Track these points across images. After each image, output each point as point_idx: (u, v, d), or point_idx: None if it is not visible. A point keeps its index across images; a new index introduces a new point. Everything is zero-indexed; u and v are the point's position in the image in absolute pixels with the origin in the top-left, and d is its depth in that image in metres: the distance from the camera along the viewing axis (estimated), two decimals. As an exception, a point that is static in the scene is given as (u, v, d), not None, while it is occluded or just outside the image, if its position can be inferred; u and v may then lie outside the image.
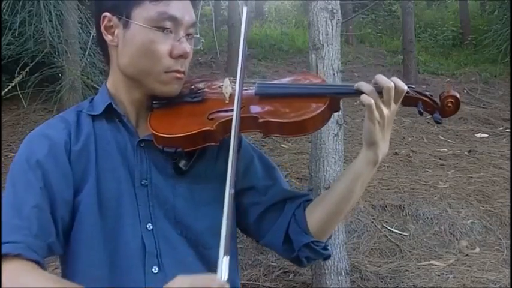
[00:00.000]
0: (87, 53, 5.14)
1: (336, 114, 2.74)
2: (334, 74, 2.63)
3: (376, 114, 0.98)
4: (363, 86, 1.00)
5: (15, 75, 4.55)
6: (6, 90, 4.47)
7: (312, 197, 1.16)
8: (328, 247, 1.13)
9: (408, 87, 1.01)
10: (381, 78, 0.99)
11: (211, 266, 1.06)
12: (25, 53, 4.83)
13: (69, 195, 1.01)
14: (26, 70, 4.64)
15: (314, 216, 1.09)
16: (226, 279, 0.79)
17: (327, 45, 2.65)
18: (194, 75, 1.17)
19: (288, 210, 1.12)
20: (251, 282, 3.19)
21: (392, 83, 0.98)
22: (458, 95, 1.03)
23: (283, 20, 12.90)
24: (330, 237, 1.16)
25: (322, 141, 2.69)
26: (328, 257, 1.14)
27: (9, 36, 4.69)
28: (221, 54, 8.58)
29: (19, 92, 4.49)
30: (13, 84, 4.45)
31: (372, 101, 0.97)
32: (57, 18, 4.74)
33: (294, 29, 11.62)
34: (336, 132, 2.69)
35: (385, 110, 0.99)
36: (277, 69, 8.39)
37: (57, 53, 4.89)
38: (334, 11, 2.66)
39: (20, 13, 4.63)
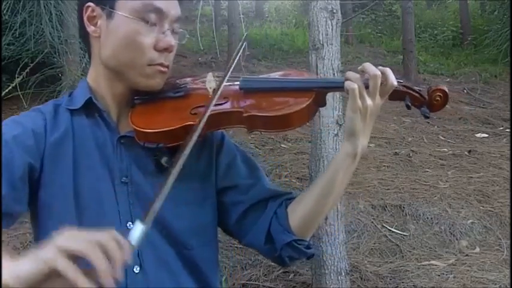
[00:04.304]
0: (87, 53, 5.14)
1: (335, 114, 2.75)
2: (334, 74, 2.64)
3: (359, 102, 0.96)
4: (350, 73, 0.98)
5: (16, 75, 4.55)
6: (6, 90, 4.48)
7: (295, 195, 1.13)
8: (312, 246, 1.10)
9: (396, 81, 0.99)
10: (368, 66, 0.98)
11: (192, 266, 1.05)
12: (25, 53, 4.83)
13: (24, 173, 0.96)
14: (26, 70, 4.65)
15: (296, 213, 1.07)
16: (133, 244, 0.77)
17: (327, 45, 2.65)
18: (176, 75, 1.15)
19: (270, 209, 1.10)
20: (251, 282, 3.19)
21: (378, 71, 0.96)
22: (446, 89, 1.02)
23: (283, 20, 12.92)
24: (315, 236, 1.13)
25: (322, 141, 2.69)
26: (311, 256, 1.11)
27: (10, 37, 4.69)
28: (221, 54, 8.58)
29: (19, 93, 4.50)
30: (13, 84, 4.46)
31: (356, 86, 0.95)
32: (58, 18, 4.74)
33: (294, 29, 11.64)
34: (336, 132, 2.69)
35: (369, 101, 0.96)
36: (277, 69, 8.38)
37: (57, 54, 4.89)
38: (334, 11, 2.66)
39: (21, 13, 4.63)
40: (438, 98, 1.02)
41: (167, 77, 1.08)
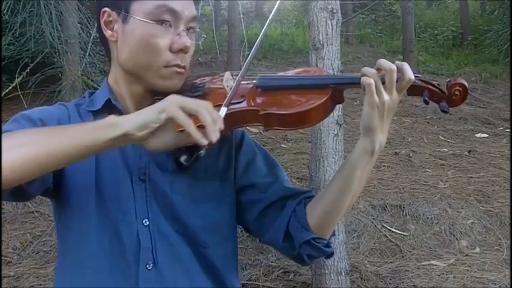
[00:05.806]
0: (87, 53, 5.14)
1: (335, 114, 2.75)
2: (334, 74, 2.64)
3: (376, 98, 0.95)
4: (366, 69, 0.98)
5: (16, 75, 4.56)
6: (6, 90, 4.48)
7: (314, 194, 1.13)
8: (332, 244, 1.10)
9: (414, 76, 0.98)
10: (384, 62, 0.97)
11: (207, 265, 1.06)
12: (25, 53, 4.84)
13: None
14: (26, 70, 4.65)
15: (314, 212, 1.07)
16: (222, 116, 0.91)
17: (327, 45, 2.65)
18: (194, 75, 1.16)
19: (288, 207, 1.09)
20: (251, 282, 3.20)
21: (394, 66, 0.96)
22: (465, 83, 0.99)
23: (283, 20, 12.90)
24: (333, 234, 1.13)
25: (322, 141, 2.69)
26: (331, 254, 1.10)
27: (10, 37, 4.69)
28: (221, 54, 8.58)
29: (19, 93, 4.50)
30: (13, 84, 4.46)
31: (372, 81, 0.95)
32: (58, 18, 4.74)
33: (294, 29, 11.64)
34: (336, 132, 2.70)
35: (386, 96, 0.96)
36: (277, 69, 8.40)
37: (57, 54, 4.89)
38: (334, 11, 2.67)
39: (21, 14, 4.63)
40: (457, 93, 0.99)
41: (185, 77, 1.09)
